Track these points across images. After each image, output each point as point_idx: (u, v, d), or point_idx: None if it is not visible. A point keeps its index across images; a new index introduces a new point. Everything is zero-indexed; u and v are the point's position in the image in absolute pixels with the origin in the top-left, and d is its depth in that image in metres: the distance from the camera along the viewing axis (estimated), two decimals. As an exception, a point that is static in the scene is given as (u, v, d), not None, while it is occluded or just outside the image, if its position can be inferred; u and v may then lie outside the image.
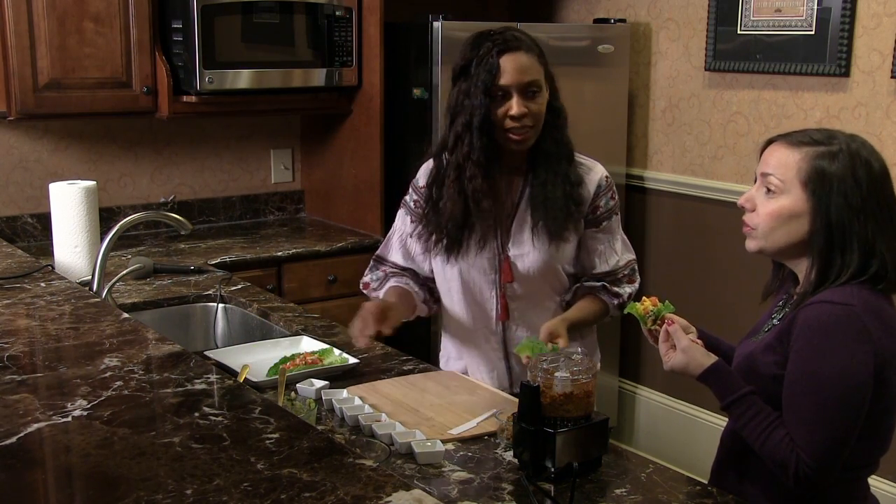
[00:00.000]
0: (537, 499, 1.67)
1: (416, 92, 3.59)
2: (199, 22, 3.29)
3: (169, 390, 1.61)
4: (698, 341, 1.87)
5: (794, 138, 1.79)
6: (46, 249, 3.18)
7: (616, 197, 2.29)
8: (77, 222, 2.90)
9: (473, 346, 2.33)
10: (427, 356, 2.90)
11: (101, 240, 2.58)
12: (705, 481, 1.86)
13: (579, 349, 1.93)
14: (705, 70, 3.82)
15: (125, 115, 3.48)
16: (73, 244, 2.91)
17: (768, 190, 1.78)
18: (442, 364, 2.44)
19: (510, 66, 2.09)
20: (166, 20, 3.42)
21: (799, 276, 1.81)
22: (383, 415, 1.98)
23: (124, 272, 2.70)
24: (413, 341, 3.43)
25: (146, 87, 3.39)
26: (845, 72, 3.33)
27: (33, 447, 1.39)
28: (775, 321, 1.85)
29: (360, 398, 2.06)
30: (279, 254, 3.49)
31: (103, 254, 2.53)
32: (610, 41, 3.90)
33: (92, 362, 1.74)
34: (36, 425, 1.44)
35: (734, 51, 3.68)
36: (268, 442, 1.39)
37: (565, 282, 2.28)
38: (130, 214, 2.65)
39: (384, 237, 2.43)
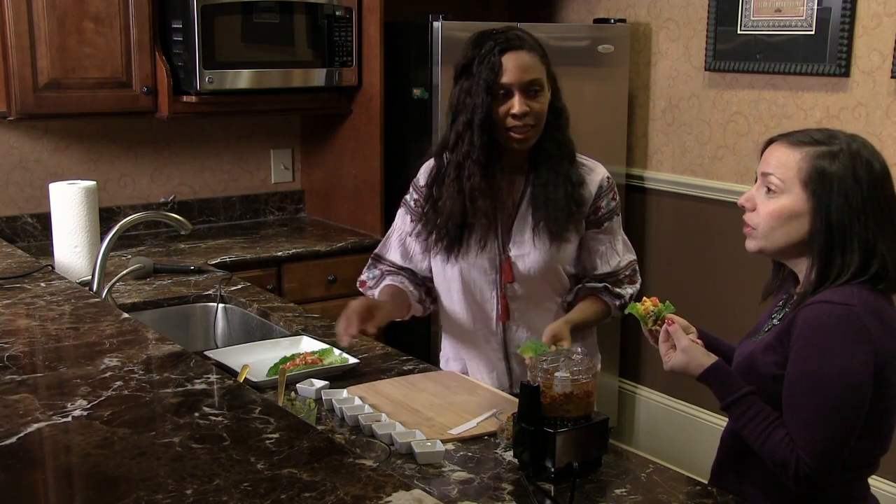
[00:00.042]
0: (537, 499, 1.67)
1: (416, 92, 3.59)
2: (199, 22, 3.29)
3: (169, 390, 1.61)
4: (698, 341, 1.87)
5: (794, 138, 1.79)
6: (46, 249, 3.18)
7: (617, 198, 2.29)
8: (77, 222, 2.90)
9: (473, 346, 2.33)
10: (427, 356, 2.90)
11: (101, 240, 2.58)
12: (705, 481, 1.85)
13: (579, 349, 1.93)
14: (705, 70, 3.82)
15: (125, 115, 3.48)
16: (73, 244, 2.91)
17: (768, 189, 1.78)
18: (442, 364, 2.44)
19: (512, 65, 2.09)
20: (166, 20, 3.42)
21: (799, 276, 1.81)
22: (383, 415, 1.98)
23: (124, 272, 2.70)
24: (413, 341, 3.43)
25: (146, 87, 3.39)
26: (845, 72, 3.33)
27: (33, 447, 1.39)
28: (775, 321, 1.85)
29: (360, 398, 2.06)
30: (279, 254, 3.49)
31: (103, 254, 2.53)
32: (610, 41, 3.90)
33: (92, 362, 1.74)
34: (36, 425, 1.44)
35: (734, 51, 3.68)
36: (268, 442, 1.39)
37: (566, 283, 2.28)
38: (130, 214, 2.65)
39: (384, 237, 2.43)
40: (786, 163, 1.76)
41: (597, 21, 4.01)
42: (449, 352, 2.42)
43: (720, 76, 3.79)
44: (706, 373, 1.79)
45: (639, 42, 4.08)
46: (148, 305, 2.82)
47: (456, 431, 1.93)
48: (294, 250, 3.53)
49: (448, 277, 2.29)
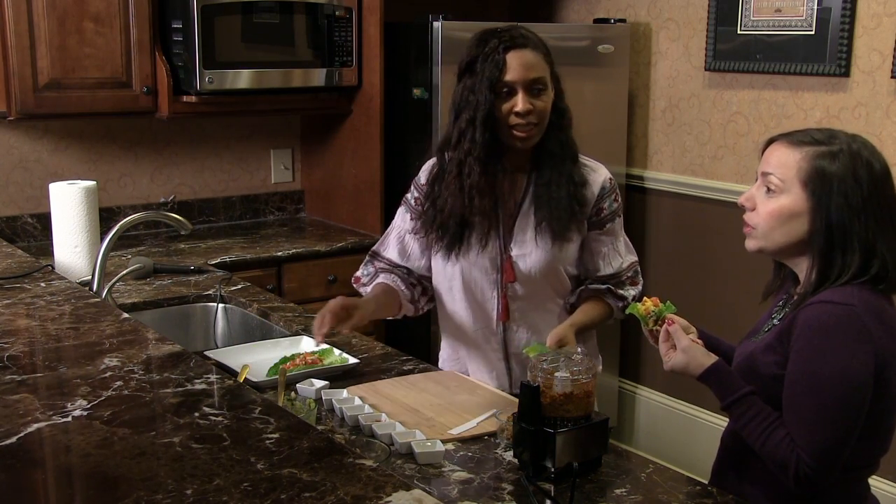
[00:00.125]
0: (537, 499, 1.67)
1: (416, 92, 3.59)
2: (199, 22, 3.29)
3: (169, 390, 1.61)
4: (698, 341, 1.87)
5: (795, 138, 1.79)
6: (46, 249, 3.18)
7: (619, 199, 2.28)
8: (77, 222, 2.90)
9: (473, 346, 2.33)
10: (427, 356, 2.90)
11: (101, 240, 2.58)
12: (705, 481, 1.85)
13: (579, 349, 1.93)
14: (705, 70, 3.82)
15: (125, 115, 3.48)
16: (73, 244, 2.91)
17: (768, 189, 1.78)
18: (441, 364, 2.44)
19: (516, 63, 2.08)
20: (166, 20, 3.42)
21: (799, 276, 1.81)
22: (383, 415, 1.98)
23: (124, 272, 2.70)
24: (413, 341, 3.43)
25: (146, 87, 3.39)
26: (845, 72, 3.33)
27: (33, 447, 1.39)
28: (775, 321, 1.85)
29: (360, 398, 2.06)
30: (279, 254, 3.49)
31: (103, 254, 2.53)
32: (610, 41, 3.90)
33: (92, 362, 1.74)
34: (36, 425, 1.44)
35: (734, 51, 3.68)
36: (268, 442, 1.39)
37: (567, 284, 2.28)
38: (130, 214, 2.66)
39: (383, 235, 2.43)
40: (786, 162, 1.76)
41: (597, 21, 4.01)
42: (448, 352, 2.42)
43: (720, 76, 3.79)
44: (706, 373, 1.79)
45: (639, 42, 4.08)
46: (148, 305, 2.82)
47: (456, 431, 1.93)
48: (294, 250, 3.53)
49: (449, 276, 2.28)
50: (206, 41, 3.32)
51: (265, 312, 2.73)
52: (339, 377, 2.22)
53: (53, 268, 2.72)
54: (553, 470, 1.73)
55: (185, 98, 3.43)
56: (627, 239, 2.32)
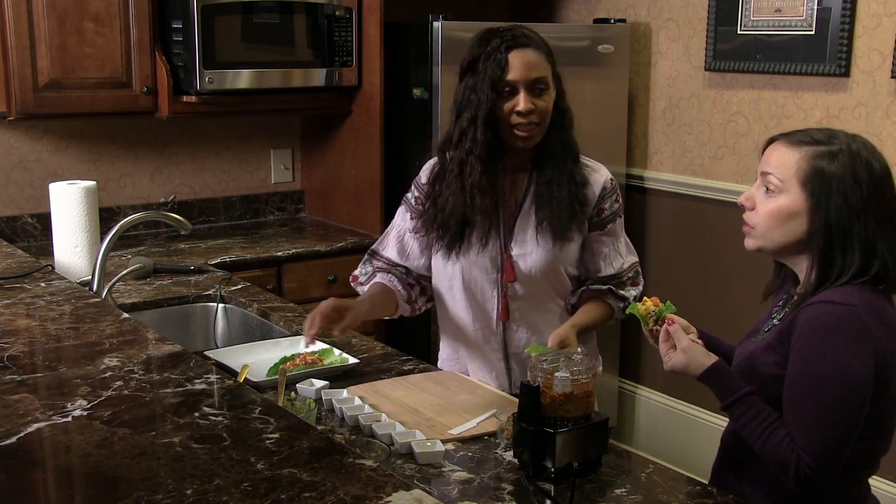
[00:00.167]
0: (537, 499, 1.67)
1: (416, 92, 3.59)
2: (199, 22, 3.29)
3: (169, 390, 1.61)
4: (698, 341, 1.87)
5: (794, 137, 1.79)
6: (46, 249, 3.18)
7: (620, 200, 2.28)
8: (77, 222, 2.90)
9: (473, 346, 2.32)
10: (427, 356, 2.90)
11: (101, 240, 2.58)
12: (705, 481, 1.85)
13: (580, 349, 1.93)
14: (705, 70, 3.82)
15: (125, 115, 3.48)
16: (73, 244, 2.91)
17: (767, 189, 1.78)
18: (440, 364, 2.44)
19: (518, 62, 2.08)
20: (166, 20, 3.42)
21: (799, 276, 1.81)
22: (383, 415, 1.98)
23: (124, 272, 2.70)
24: (413, 341, 3.43)
25: (146, 87, 3.39)
26: (845, 72, 3.33)
27: (33, 447, 1.39)
28: (775, 321, 1.85)
29: (360, 398, 2.06)
30: (279, 254, 3.49)
31: (103, 254, 2.53)
32: (610, 41, 3.90)
33: (92, 362, 1.74)
34: (36, 425, 1.44)
35: (734, 51, 3.68)
36: (268, 442, 1.39)
37: (567, 284, 2.27)
38: (130, 214, 2.66)
39: (382, 234, 2.43)
40: (785, 162, 1.76)
41: (597, 21, 4.01)
42: (448, 352, 2.41)
43: (720, 76, 3.79)
44: (706, 373, 1.79)
45: (639, 42, 4.08)
46: (148, 305, 2.82)
47: (456, 431, 1.93)
48: (294, 250, 3.53)
49: (449, 276, 2.28)
50: (206, 41, 3.32)
51: (265, 312, 2.73)
52: (339, 377, 2.22)
53: (53, 268, 2.72)
54: (553, 470, 1.73)
55: (185, 98, 3.43)
56: (628, 239, 2.32)
